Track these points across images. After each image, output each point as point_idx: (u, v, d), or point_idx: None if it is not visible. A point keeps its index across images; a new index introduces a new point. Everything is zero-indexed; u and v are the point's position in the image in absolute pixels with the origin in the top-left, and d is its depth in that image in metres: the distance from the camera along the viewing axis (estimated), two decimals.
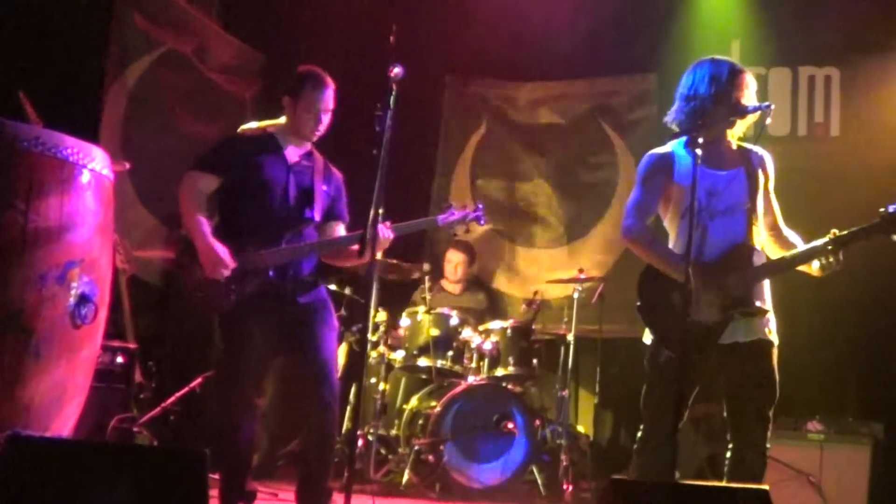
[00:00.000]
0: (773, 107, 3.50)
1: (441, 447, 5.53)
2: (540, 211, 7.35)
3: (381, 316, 6.00)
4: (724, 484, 3.29)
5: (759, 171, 3.62)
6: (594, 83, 7.34)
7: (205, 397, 5.47)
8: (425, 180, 7.47)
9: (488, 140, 7.54)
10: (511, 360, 5.95)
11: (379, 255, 4.79)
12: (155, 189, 6.05)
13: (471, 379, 5.86)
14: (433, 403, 5.76)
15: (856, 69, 6.49)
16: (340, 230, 4.17)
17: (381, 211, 3.53)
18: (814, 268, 3.48)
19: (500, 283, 7.33)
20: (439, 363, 5.92)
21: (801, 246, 3.55)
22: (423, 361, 5.95)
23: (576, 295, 6.16)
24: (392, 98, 3.46)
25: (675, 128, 3.64)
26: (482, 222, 4.28)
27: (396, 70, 3.49)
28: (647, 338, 3.62)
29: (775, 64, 6.68)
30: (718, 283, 3.45)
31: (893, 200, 3.32)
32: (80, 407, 3.39)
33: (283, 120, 4.14)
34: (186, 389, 5.45)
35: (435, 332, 5.93)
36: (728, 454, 3.54)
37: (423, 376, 6.17)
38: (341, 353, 6.00)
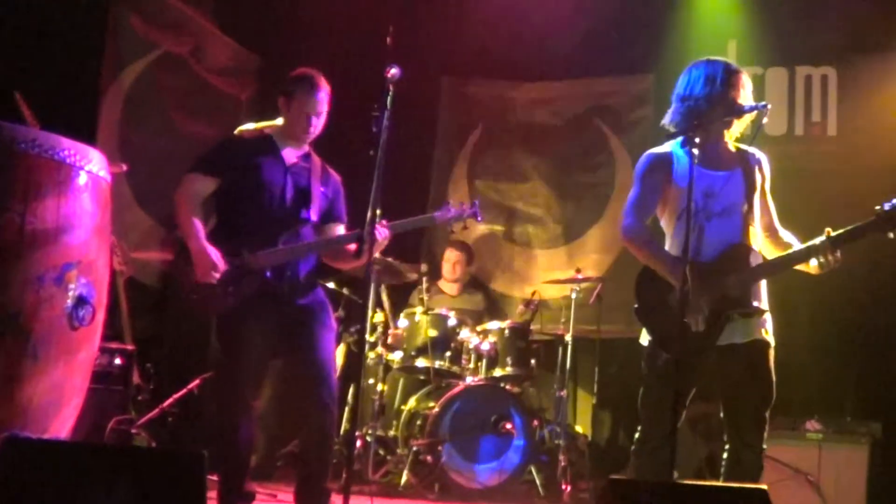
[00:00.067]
0: (769, 106, 3.50)
1: (439, 448, 5.52)
2: (538, 211, 7.35)
3: (379, 317, 6.01)
4: (722, 484, 3.28)
5: (756, 172, 3.62)
6: (591, 84, 7.35)
7: (203, 399, 5.47)
8: (423, 181, 7.47)
9: (486, 141, 7.54)
10: (509, 360, 5.95)
11: (377, 255, 4.79)
12: (152, 191, 6.04)
13: (469, 379, 5.86)
14: (431, 404, 5.76)
15: (853, 69, 6.50)
16: (339, 231, 4.17)
17: (378, 211, 3.53)
18: (812, 266, 3.47)
19: (498, 283, 7.33)
20: (437, 364, 5.92)
21: (798, 246, 3.55)
22: (421, 362, 5.94)
23: (574, 295, 6.16)
24: (389, 99, 3.47)
25: (671, 129, 3.63)
26: (479, 218, 4.28)
27: (393, 71, 3.50)
28: (644, 339, 3.62)
29: (772, 64, 6.68)
30: (715, 284, 3.45)
31: (889, 198, 3.33)
32: (77, 408, 3.38)
33: (279, 121, 4.14)
34: (184, 391, 5.45)
35: (433, 332, 5.93)
36: (725, 454, 3.54)
37: (422, 377, 6.17)
38: (339, 354, 6.00)
